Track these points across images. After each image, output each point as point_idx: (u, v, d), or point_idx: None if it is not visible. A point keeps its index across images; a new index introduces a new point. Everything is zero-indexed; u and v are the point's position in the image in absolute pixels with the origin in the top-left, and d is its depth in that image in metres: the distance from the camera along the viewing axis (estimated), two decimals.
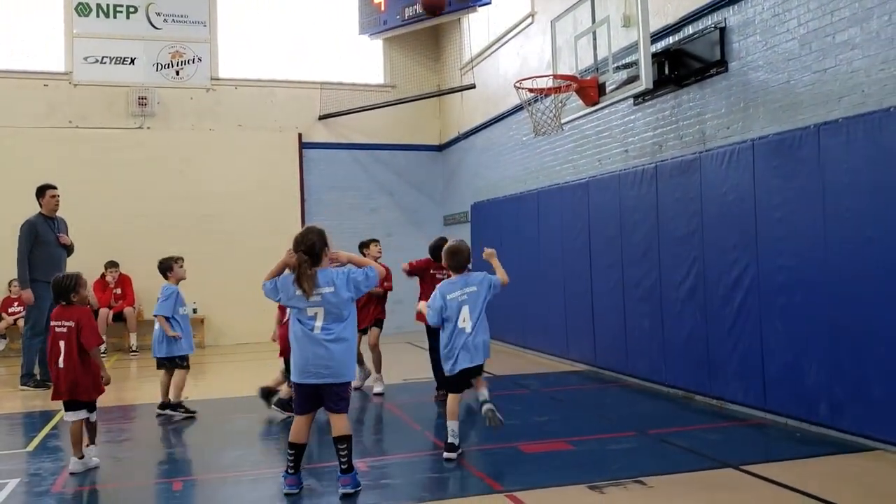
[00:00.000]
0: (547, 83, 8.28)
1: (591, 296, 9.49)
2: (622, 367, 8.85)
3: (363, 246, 8.59)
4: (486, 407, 5.70)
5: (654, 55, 7.77)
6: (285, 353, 6.78)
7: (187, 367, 7.61)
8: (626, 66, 7.82)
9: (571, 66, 8.55)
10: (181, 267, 7.72)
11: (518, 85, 8.34)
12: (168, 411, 7.51)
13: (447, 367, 5.74)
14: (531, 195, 11.23)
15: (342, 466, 4.86)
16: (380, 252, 8.50)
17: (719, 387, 7.19)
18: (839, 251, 5.82)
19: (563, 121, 8.67)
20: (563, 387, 8.69)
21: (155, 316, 7.54)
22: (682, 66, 7.83)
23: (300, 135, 14.72)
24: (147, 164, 13.71)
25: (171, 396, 7.51)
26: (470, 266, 6.03)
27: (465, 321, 5.66)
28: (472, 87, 13.35)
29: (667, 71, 7.93)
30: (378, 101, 14.54)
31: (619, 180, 8.84)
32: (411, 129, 15.42)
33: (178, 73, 14.10)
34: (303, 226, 14.31)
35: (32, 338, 9.34)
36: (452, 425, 5.67)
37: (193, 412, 7.51)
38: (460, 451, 5.67)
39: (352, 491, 4.82)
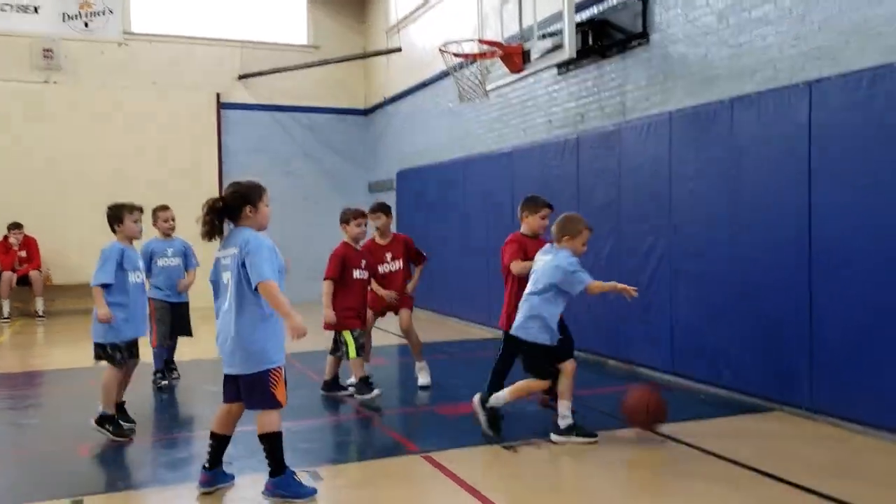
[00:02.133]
0: (472, 48, 8.25)
1: None
2: None
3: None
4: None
5: (579, 24, 7.82)
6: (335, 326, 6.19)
7: (121, 364, 5.35)
8: (550, 35, 7.84)
9: (497, 33, 8.53)
10: (136, 221, 5.54)
11: (443, 49, 8.28)
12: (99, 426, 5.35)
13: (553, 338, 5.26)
14: (457, 163, 11.23)
15: (269, 468, 4.18)
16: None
17: (631, 351, 7.42)
18: (747, 221, 6.03)
19: (488, 87, 8.67)
20: (483, 353, 8.78)
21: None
22: (605, 36, 7.91)
23: (218, 95, 14.30)
24: (54, 121, 13.11)
25: (101, 402, 5.35)
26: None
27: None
28: (399, 50, 13.21)
29: (590, 41, 7.99)
30: (301, 62, 14.23)
31: (543, 150, 8.92)
32: (335, 93, 15.17)
33: (86, 24, 13.44)
34: (220, 188, 14.11)
35: None
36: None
37: (128, 431, 5.39)
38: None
39: (269, 498, 4.11)
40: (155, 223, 7.02)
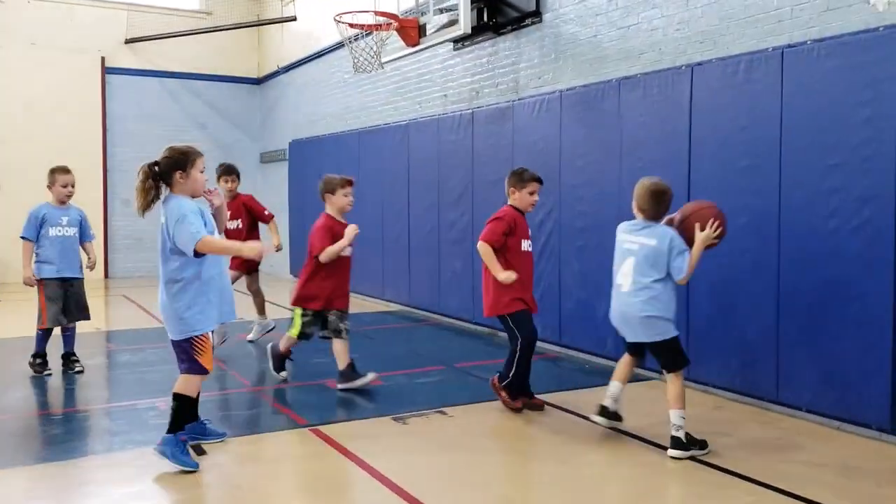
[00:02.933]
0: (368, 19, 8.17)
1: (408, 238, 9.64)
2: (435, 307, 9.11)
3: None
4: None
5: (474, 1, 7.86)
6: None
7: None
8: (447, 10, 7.86)
9: (394, 5, 8.47)
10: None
11: (338, 18, 8.17)
12: None
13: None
14: (352, 135, 11.14)
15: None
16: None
17: None
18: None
19: (383, 60, 8.61)
20: (377, 325, 8.81)
21: None
22: (499, 13, 7.98)
23: (103, 59, 13.64)
24: None
25: None
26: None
27: (626, 276, 4.49)
28: (293, 19, 12.94)
29: (485, 17, 8.05)
30: (191, 28, 13.72)
31: (438, 124, 8.96)
32: (227, 60, 14.73)
33: None
34: (104, 156, 13.50)
35: None
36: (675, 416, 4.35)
37: None
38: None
39: (158, 452, 4.19)
40: (51, 186, 6.25)
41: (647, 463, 4.26)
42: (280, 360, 6.05)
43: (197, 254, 3.97)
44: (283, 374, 6.08)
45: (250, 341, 7.59)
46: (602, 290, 6.54)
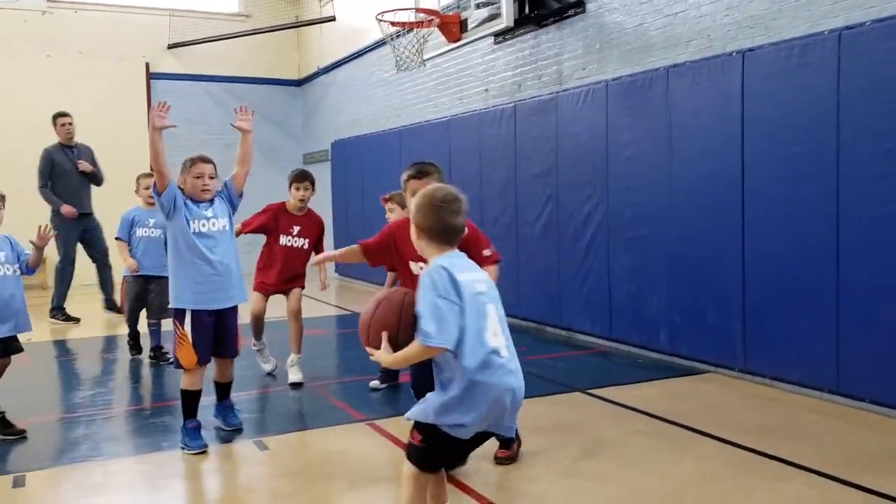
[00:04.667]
0: (409, 17, 8.19)
1: None
2: None
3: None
4: None
5: None
6: None
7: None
8: (487, 4, 7.84)
9: (434, 2, 8.48)
10: None
11: (380, 17, 8.20)
12: None
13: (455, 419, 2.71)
14: (393, 133, 11.17)
15: None
16: (301, 200, 5.99)
17: (569, 318, 7.55)
18: (681, 187, 6.18)
19: (424, 57, 8.63)
20: None
21: None
22: (541, 5, 7.93)
23: (147, 65, 13.86)
24: None
25: None
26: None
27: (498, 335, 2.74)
28: (332, 19, 13.00)
29: (527, 10, 8.00)
30: (232, 31, 13.88)
31: (479, 119, 8.94)
32: (268, 63, 14.86)
33: None
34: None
35: (63, 269, 9.16)
36: None
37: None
38: None
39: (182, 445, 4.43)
40: (137, 191, 6.81)
41: (705, 455, 4.21)
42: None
43: None
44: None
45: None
46: (653, 282, 6.48)
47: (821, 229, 5.08)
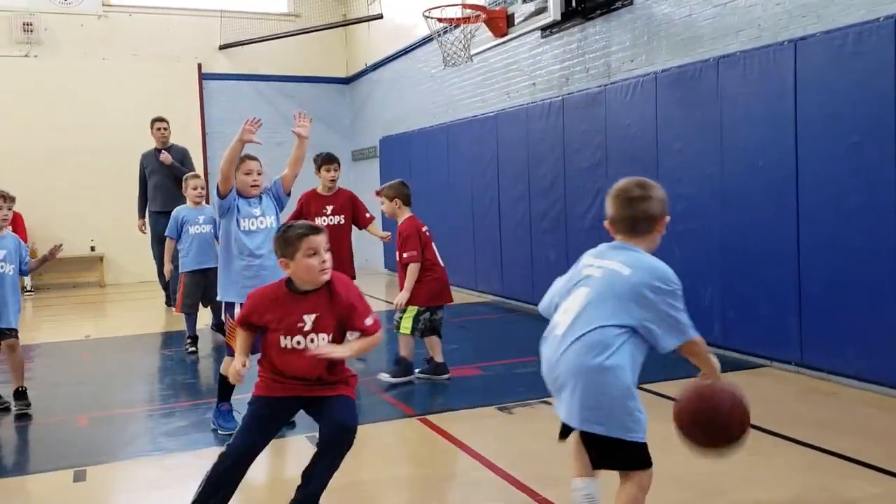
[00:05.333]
0: (456, 13, 8.21)
1: (499, 228, 9.64)
2: (528, 297, 9.07)
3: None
4: None
5: None
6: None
7: None
8: None
9: None
10: None
11: (427, 14, 8.23)
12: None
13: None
14: (440, 129, 11.21)
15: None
16: (332, 181, 6.18)
17: None
18: (733, 179, 6.09)
19: (472, 52, 8.64)
20: (471, 317, 8.86)
21: None
22: None
23: (200, 65, 14.15)
24: (35, 96, 12.91)
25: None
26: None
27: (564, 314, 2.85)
28: (380, 17, 13.09)
29: (574, 3, 7.96)
30: (281, 31, 14.07)
31: (527, 113, 8.91)
32: (316, 61, 15.03)
33: None
34: (205, 160, 14.01)
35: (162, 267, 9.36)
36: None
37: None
38: None
39: (214, 426, 4.77)
40: (184, 191, 7.20)
41: (761, 451, 4.15)
42: (405, 365, 5.88)
43: None
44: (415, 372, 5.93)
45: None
46: (705, 276, 6.40)
47: (879, 220, 4.95)
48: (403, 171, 12.38)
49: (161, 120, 9.87)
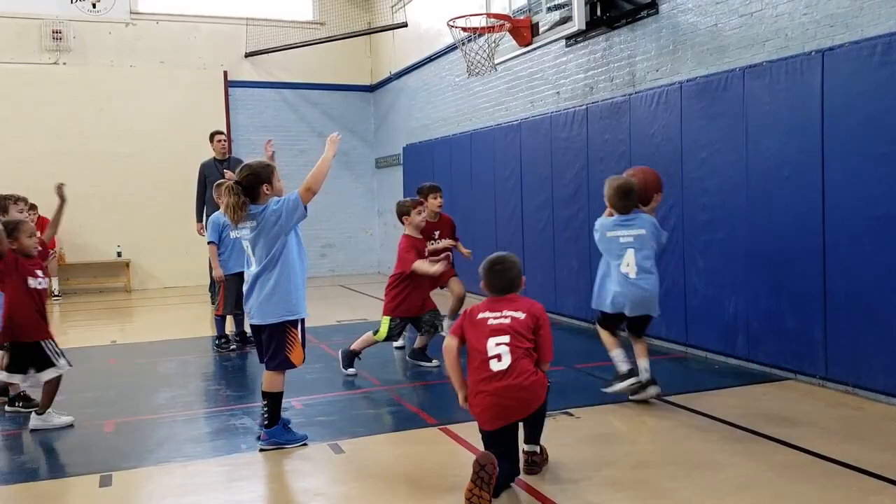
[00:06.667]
0: (480, 22, 8.22)
1: (522, 236, 9.63)
2: (551, 306, 9.04)
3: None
4: (640, 388, 5.34)
5: None
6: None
7: None
8: (558, 7, 7.81)
9: (505, 6, 8.49)
10: (20, 212, 6.12)
11: (451, 23, 8.25)
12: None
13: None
14: (464, 137, 11.23)
15: (264, 421, 4.65)
16: (439, 206, 7.57)
17: None
18: (758, 190, 6.04)
19: (496, 61, 8.64)
20: None
21: None
22: (613, 7, 7.86)
23: (226, 73, 14.29)
24: (64, 102, 13.13)
25: None
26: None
27: (631, 266, 5.26)
28: (404, 25, 13.15)
29: (598, 12, 7.94)
30: (306, 39, 14.18)
31: (551, 122, 8.91)
32: (341, 69, 15.13)
33: (94, 5, 13.44)
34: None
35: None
36: (615, 354, 5.40)
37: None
38: (638, 380, 5.31)
39: (266, 447, 4.59)
40: (218, 198, 7.12)
41: (786, 466, 4.10)
42: (350, 358, 6.52)
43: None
44: (352, 370, 6.49)
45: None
46: (730, 287, 6.35)
47: None
48: (426, 178, 12.37)
49: (220, 133, 10.39)
